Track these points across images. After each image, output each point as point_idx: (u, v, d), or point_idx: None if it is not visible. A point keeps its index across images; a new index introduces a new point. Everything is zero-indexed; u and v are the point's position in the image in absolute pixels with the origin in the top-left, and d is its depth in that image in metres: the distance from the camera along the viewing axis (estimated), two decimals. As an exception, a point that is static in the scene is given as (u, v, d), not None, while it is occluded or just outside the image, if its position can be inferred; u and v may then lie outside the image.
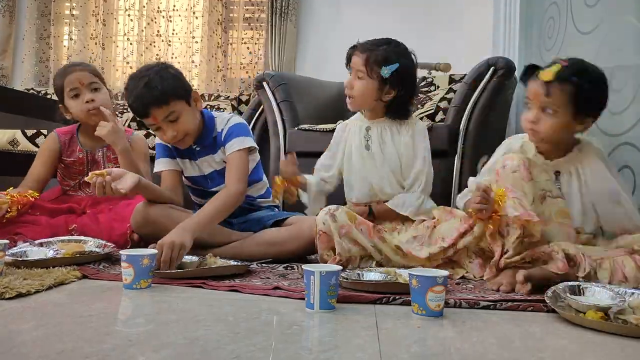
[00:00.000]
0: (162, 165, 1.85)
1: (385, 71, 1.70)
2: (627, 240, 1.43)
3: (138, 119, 1.76)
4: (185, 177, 1.88)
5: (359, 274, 1.39)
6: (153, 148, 2.01)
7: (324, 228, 1.56)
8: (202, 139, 1.80)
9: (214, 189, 1.82)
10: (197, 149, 1.81)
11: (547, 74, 1.43)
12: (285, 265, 1.63)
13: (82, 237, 1.70)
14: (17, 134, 2.61)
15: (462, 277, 1.54)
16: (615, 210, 1.47)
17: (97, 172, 1.60)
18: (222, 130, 1.80)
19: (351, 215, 1.59)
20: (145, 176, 1.99)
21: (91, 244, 1.65)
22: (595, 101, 1.47)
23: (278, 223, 1.78)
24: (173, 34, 3.92)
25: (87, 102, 1.97)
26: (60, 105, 2.06)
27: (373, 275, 1.39)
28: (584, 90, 1.42)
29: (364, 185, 1.78)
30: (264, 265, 1.63)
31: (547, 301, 1.18)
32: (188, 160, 1.85)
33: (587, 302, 1.16)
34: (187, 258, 1.52)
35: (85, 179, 1.65)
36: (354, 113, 1.90)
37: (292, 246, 1.66)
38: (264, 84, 2.65)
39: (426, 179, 1.75)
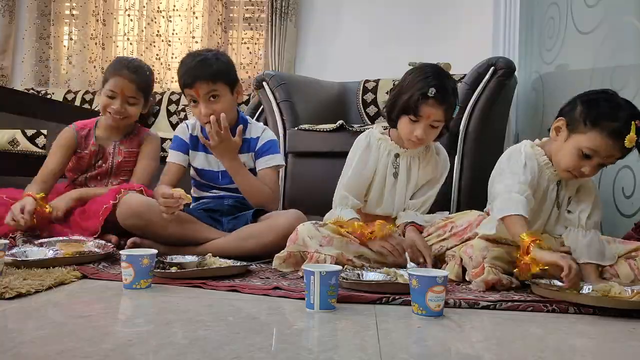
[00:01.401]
0: (173, 157, 1.90)
1: (453, 116, 1.69)
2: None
3: (182, 90, 1.83)
4: (194, 168, 1.92)
5: (358, 274, 1.39)
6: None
7: (293, 248, 1.53)
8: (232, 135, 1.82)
9: (224, 185, 1.89)
10: None
11: (631, 140, 1.39)
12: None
13: (82, 238, 1.70)
14: (17, 134, 2.61)
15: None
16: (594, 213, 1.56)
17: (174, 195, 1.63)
18: (258, 138, 1.90)
19: (336, 230, 1.57)
20: (152, 175, 2.08)
21: (91, 244, 1.65)
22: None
23: (256, 217, 1.80)
24: (173, 34, 3.93)
25: (115, 109, 2.00)
26: (98, 89, 2.11)
27: (373, 275, 1.39)
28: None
29: (387, 206, 1.78)
30: (263, 265, 1.63)
31: (527, 282, 1.33)
32: (204, 154, 1.89)
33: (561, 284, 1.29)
34: (188, 258, 1.53)
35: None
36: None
37: (268, 239, 1.66)
38: (264, 84, 2.65)
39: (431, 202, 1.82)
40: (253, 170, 1.88)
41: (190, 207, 1.90)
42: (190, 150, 1.91)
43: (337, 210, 1.71)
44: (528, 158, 1.53)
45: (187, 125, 1.93)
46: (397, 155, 1.76)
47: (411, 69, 1.71)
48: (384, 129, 1.81)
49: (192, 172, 1.95)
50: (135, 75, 2.03)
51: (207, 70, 1.76)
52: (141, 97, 2.05)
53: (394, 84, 2.23)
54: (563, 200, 1.57)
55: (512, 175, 1.49)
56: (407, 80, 1.67)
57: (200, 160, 1.91)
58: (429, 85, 1.59)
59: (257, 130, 1.92)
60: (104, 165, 2.07)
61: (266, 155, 1.88)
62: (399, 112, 1.68)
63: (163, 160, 1.99)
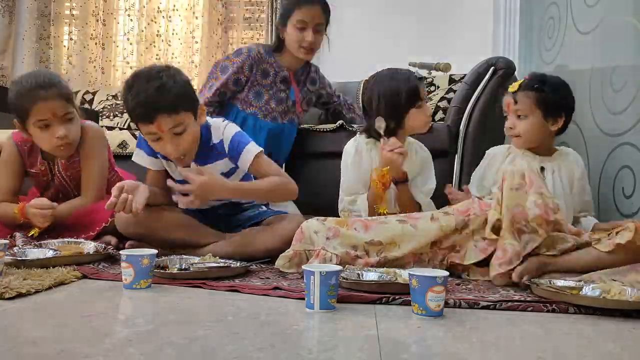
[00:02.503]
0: (146, 162, 1.75)
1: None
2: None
3: (136, 123, 1.59)
4: (173, 178, 1.76)
5: (358, 274, 1.39)
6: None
7: (299, 247, 1.52)
8: (199, 152, 1.72)
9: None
10: (193, 161, 1.70)
11: (512, 87, 1.78)
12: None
13: (81, 239, 1.70)
14: (17, 134, 2.60)
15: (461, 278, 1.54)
16: (582, 199, 1.80)
17: (118, 185, 1.52)
18: (222, 140, 1.72)
19: (340, 221, 1.58)
20: (96, 176, 1.90)
21: (91, 246, 1.65)
22: (558, 103, 1.76)
23: (258, 222, 1.78)
24: (173, 34, 3.93)
25: (58, 137, 1.78)
26: (15, 120, 1.81)
27: (373, 275, 1.39)
28: (545, 94, 1.74)
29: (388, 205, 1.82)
30: (263, 265, 1.62)
31: (527, 283, 1.32)
32: (173, 162, 1.73)
33: (561, 284, 1.30)
34: (192, 258, 1.53)
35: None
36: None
37: (269, 245, 1.64)
38: (264, 84, 2.64)
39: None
40: (235, 169, 1.77)
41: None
42: (159, 156, 1.74)
43: (352, 206, 1.81)
44: (489, 156, 1.91)
45: (144, 143, 1.73)
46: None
47: None
48: (367, 137, 1.88)
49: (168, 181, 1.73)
50: (50, 89, 1.76)
51: (168, 100, 1.52)
52: (72, 107, 1.83)
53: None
54: (553, 185, 1.75)
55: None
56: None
57: (174, 171, 1.75)
58: None
59: (217, 133, 1.72)
60: (56, 182, 1.93)
61: (241, 151, 1.69)
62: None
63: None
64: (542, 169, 1.77)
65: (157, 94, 1.51)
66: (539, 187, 1.43)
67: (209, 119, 1.77)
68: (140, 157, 1.77)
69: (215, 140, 1.73)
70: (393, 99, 1.80)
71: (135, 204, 1.54)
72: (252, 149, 1.70)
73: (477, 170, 1.89)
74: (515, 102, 1.76)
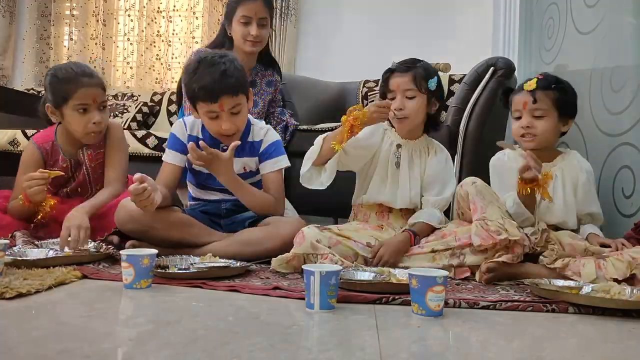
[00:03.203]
0: (170, 157, 1.83)
1: (432, 84, 1.77)
2: (597, 248, 1.56)
3: (194, 102, 1.73)
4: (191, 168, 1.86)
5: (353, 273, 1.39)
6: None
7: (300, 250, 1.52)
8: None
9: (217, 187, 1.83)
10: (225, 147, 1.75)
11: (530, 84, 1.72)
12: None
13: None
14: (17, 134, 2.61)
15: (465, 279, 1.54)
16: (589, 201, 1.74)
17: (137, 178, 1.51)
18: (262, 140, 1.85)
19: (341, 232, 1.62)
20: (123, 167, 1.99)
21: (91, 245, 1.65)
22: (572, 104, 1.76)
23: (257, 223, 1.78)
24: (173, 34, 3.93)
25: (94, 122, 1.89)
26: (48, 105, 1.92)
27: (367, 275, 1.38)
28: (562, 94, 1.72)
29: (389, 196, 1.79)
30: (263, 265, 1.63)
31: (527, 282, 1.36)
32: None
33: (561, 284, 1.32)
34: (192, 258, 1.54)
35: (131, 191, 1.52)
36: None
37: (268, 246, 1.65)
38: (264, 84, 2.65)
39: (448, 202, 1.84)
40: (256, 173, 1.86)
41: (189, 206, 1.90)
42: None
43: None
44: (496, 167, 1.86)
45: (185, 124, 1.85)
46: (398, 146, 1.81)
47: None
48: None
49: (189, 174, 1.90)
50: (93, 78, 1.90)
51: (232, 82, 1.69)
52: (106, 99, 1.95)
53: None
54: (555, 190, 1.71)
55: None
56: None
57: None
58: None
59: (259, 132, 1.87)
60: (79, 176, 1.99)
61: (271, 158, 1.84)
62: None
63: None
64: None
65: (222, 77, 1.68)
66: (482, 213, 1.55)
67: (252, 118, 1.90)
68: (170, 155, 1.83)
69: (255, 138, 1.86)
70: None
71: (153, 200, 1.56)
72: (282, 162, 1.85)
73: (492, 184, 1.76)
74: (535, 101, 1.71)
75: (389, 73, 1.81)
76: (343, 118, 1.68)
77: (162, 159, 1.85)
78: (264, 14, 2.24)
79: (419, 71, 1.77)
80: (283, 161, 1.85)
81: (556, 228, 1.69)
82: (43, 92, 2.02)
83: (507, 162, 1.80)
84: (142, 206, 1.55)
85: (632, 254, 1.41)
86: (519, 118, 1.75)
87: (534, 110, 1.71)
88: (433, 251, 1.58)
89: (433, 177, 1.81)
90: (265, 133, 1.87)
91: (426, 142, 1.86)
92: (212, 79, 1.67)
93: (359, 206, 1.85)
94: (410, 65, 1.79)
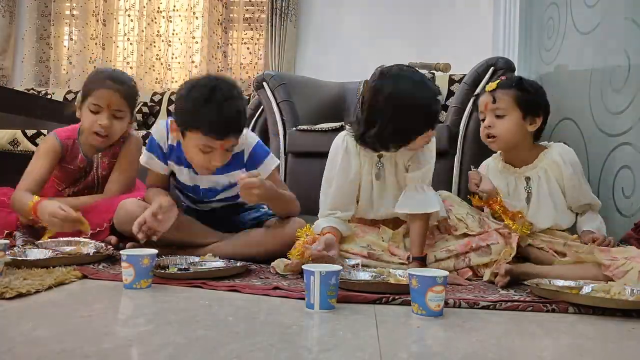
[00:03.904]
0: (155, 165, 1.74)
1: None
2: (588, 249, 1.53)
3: (198, 131, 1.56)
4: (178, 181, 1.79)
5: (349, 272, 1.39)
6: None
7: (303, 260, 1.47)
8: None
9: (211, 199, 1.79)
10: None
11: (490, 86, 1.73)
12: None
13: (81, 239, 1.70)
14: (17, 134, 2.61)
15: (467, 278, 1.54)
16: (578, 195, 1.71)
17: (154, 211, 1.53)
18: (243, 150, 1.72)
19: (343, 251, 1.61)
20: (127, 183, 1.96)
21: (91, 246, 1.65)
22: (536, 102, 1.72)
23: (259, 224, 1.78)
24: (173, 34, 3.93)
25: (100, 124, 1.88)
26: (78, 97, 1.97)
27: (367, 275, 1.38)
28: (523, 93, 1.69)
29: (381, 211, 1.70)
30: (263, 265, 1.63)
31: (527, 283, 1.35)
32: (188, 169, 1.73)
33: (561, 284, 1.32)
34: (192, 258, 1.53)
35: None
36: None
37: (271, 247, 1.64)
38: (264, 84, 2.65)
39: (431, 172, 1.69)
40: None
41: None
42: (169, 161, 1.74)
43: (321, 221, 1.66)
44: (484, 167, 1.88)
45: (167, 132, 1.71)
46: (380, 156, 1.67)
47: None
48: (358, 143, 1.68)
49: (173, 181, 1.81)
50: (119, 84, 1.90)
51: (241, 123, 1.60)
52: (127, 108, 1.93)
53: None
54: (540, 192, 1.73)
55: None
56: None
57: (185, 176, 1.74)
58: None
59: (240, 142, 1.69)
60: (88, 178, 1.99)
61: (260, 164, 1.73)
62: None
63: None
64: (528, 178, 1.71)
65: (236, 116, 1.57)
66: (449, 206, 1.67)
67: None
68: (151, 161, 1.74)
69: (236, 150, 1.70)
70: (407, 119, 1.53)
71: (159, 228, 1.56)
72: (271, 163, 1.75)
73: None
74: (494, 101, 1.69)
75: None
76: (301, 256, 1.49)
77: (144, 162, 1.76)
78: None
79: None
80: (272, 161, 1.76)
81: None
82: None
83: (489, 168, 1.83)
84: (147, 237, 1.55)
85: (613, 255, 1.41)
86: (484, 120, 1.74)
87: (494, 110, 1.70)
88: (437, 260, 1.58)
89: (410, 156, 1.66)
90: (245, 139, 1.72)
91: None
92: (227, 117, 1.54)
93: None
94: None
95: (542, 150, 1.73)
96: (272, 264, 1.54)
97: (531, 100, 1.70)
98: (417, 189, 1.62)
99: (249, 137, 1.74)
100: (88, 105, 1.90)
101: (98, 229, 1.76)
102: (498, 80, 1.73)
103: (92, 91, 1.89)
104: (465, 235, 1.62)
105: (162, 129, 1.72)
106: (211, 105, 1.52)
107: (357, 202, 1.71)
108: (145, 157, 1.74)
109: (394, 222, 1.72)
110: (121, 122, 1.93)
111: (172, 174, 1.80)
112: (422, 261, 1.55)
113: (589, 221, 1.69)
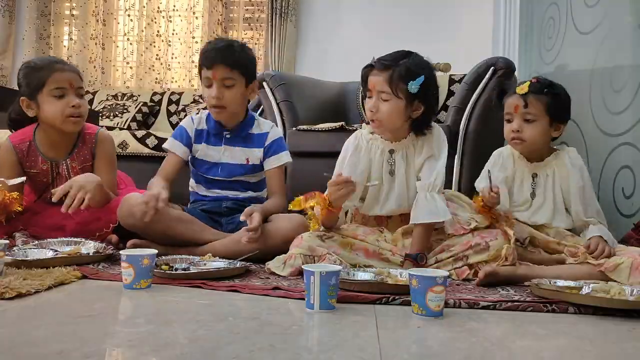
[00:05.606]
0: (175, 146, 1.86)
1: (413, 87, 1.57)
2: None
3: (202, 66, 1.81)
4: (193, 160, 1.89)
5: (348, 272, 1.39)
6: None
7: (297, 251, 1.51)
8: (237, 130, 1.88)
9: (222, 178, 1.87)
10: (228, 135, 1.88)
11: (522, 88, 1.68)
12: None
13: (81, 239, 1.70)
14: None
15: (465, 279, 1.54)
16: (583, 200, 1.66)
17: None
18: (267, 133, 1.90)
19: (345, 243, 1.58)
20: (111, 184, 1.88)
21: (90, 246, 1.65)
22: (564, 110, 1.70)
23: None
24: (173, 34, 3.93)
25: (73, 106, 1.81)
26: (23, 98, 1.85)
27: (367, 275, 1.38)
28: (555, 101, 1.66)
29: (388, 207, 1.69)
30: (262, 265, 1.62)
31: (527, 283, 1.36)
32: (204, 145, 1.88)
33: (561, 284, 1.33)
34: (192, 258, 1.54)
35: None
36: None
37: (269, 243, 1.65)
38: (264, 84, 2.65)
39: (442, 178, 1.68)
40: (259, 167, 1.89)
41: (189, 206, 1.90)
42: (195, 144, 1.89)
43: None
44: (496, 155, 1.83)
45: (193, 119, 1.91)
46: (391, 152, 1.67)
47: None
48: (372, 132, 1.71)
49: (192, 167, 1.92)
50: (67, 65, 1.90)
51: (230, 56, 1.77)
52: (84, 87, 1.90)
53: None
54: (545, 189, 1.73)
55: None
56: None
57: (200, 150, 1.88)
58: None
59: (265, 125, 1.93)
60: (61, 184, 1.80)
61: (274, 154, 1.88)
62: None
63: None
64: (536, 175, 1.71)
65: (224, 49, 1.78)
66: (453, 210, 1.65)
67: (258, 117, 1.97)
68: (174, 144, 1.87)
69: (263, 129, 1.91)
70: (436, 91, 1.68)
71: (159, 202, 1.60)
72: (285, 158, 1.90)
73: (486, 166, 1.78)
74: (526, 105, 1.65)
75: (368, 69, 1.65)
76: (305, 205, 1.56)
77: (166, 147, 1.89)
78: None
79: (398, 71, 1.58)
80: (285, 157, 1.90)
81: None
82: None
83: (504, 159, 1.77)
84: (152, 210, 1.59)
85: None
86: (510, 121, 1.71)
87: (524, 114, 1.66)
88: (437, 261, 1.58)
89: (424, 159, 1.66)
90: (270, 127, 1.93)
91: (418, 137, 1.69)
92: (215, 46, 1.78)
93: (357, 209, 1.76)
94: (389, 63, 1.61)
95: (553, 152, 1.74)
96: (267, 264, 1.53)
97: (560, 108, 1.68)
98: (426, 198, 1.60)
99: (276, 129, 1.96)
100: (48, 94, 1.82)
101: (105, 229, 1.76)
102: (528, 83, 1.68)
103: (46, 79, 1.82)
104: (470, 231, 1.60)
105: (189, 117, 1.93)
106: (206, 45, 1.83)
107: (363, 199, 1.71)
108: (169, 142, 1.88)
109: (399, 218, 1.71)
110: (84, 99, 1.90)
111: (191, 163, 1.91)
112: (414, 259, 1.54)
113: (599, 230, 1.60)
